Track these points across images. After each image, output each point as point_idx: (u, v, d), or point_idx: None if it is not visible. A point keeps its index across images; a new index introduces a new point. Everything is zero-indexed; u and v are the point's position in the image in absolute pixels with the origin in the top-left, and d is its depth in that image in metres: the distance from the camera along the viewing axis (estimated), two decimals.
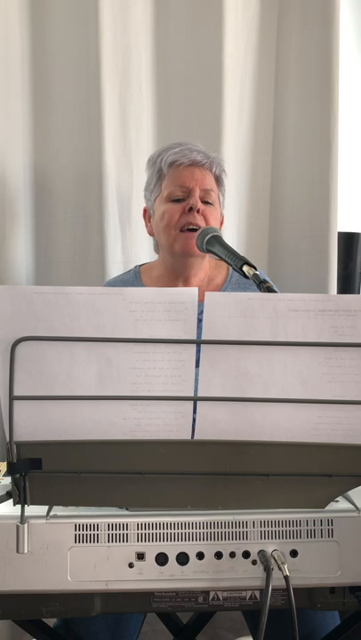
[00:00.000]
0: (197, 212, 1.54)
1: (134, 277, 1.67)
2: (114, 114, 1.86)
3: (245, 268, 1.25)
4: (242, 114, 1.95)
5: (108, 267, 1.88)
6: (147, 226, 1.68)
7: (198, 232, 1.48)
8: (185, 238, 1.53)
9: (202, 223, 1.54)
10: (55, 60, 1.87)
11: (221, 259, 1.39)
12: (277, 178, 2.00)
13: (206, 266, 1.63)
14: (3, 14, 1.81)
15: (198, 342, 0.93)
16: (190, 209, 1.54)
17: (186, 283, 1.62)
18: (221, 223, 1.68)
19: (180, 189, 1.57)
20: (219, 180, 1.63)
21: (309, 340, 0.93)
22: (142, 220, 1.93)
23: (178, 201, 1.57)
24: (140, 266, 1.72)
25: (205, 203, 1.57)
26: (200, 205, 1.54)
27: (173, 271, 1.62)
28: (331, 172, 1.90)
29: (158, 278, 1.65)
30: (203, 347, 0.93)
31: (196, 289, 0.93)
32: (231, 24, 1.88)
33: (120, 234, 1.91)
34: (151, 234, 1.67)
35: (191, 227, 1.53)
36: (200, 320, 0.93)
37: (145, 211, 1.68)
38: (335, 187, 1.90)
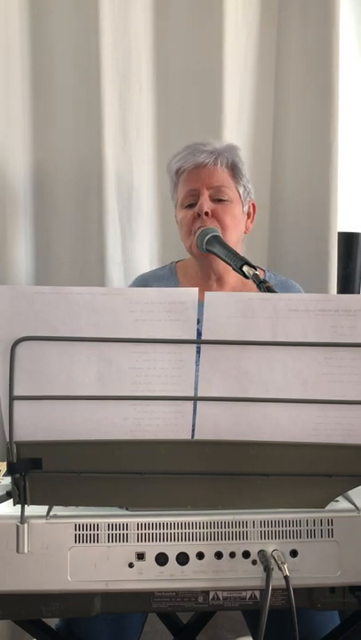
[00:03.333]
0: (206, 214, 1.53)
1: (170, 274, 1.67)
2: (114, 114, 1.86)
3: (245, 268, 1.25)
4: (242, 113, 1.95)
5: (108, 267, 1.88)
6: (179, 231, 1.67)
7: (198, 232, 1.48)
8: None
9: (213, 225, 1.52)
10: (55, 60, 1.87)
11: (221, 259, 1.39)
12: (277, 177, 2.00)
13: None
14: (3, 14, 1.81)
15: (198, 342, 0.93)
16: (198, 214, 1.54)
17: (220, 281, 1.62)
18: (253, 212, 1.66)
19: (189, 194, 1.57)
20: (234, 172, 1.60)
21: (309, 340, 0.93)
22: (142, 219, 1.94)
23: (191, 206, 1.57)
24: (177, 262, 1.72)
25: (218, 201, 1.56)
26: (207, 208, 1.53)
27: (205, 271, 1.62)
28: (331, 172, 1.90)
29: (193, 277, 1.65)
30: (203, 347, 0.93)
31: (197, 289, 0.93)
32: (231, 24, 1.88)
33: (120, 234, 1.91)
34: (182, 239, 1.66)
35: None
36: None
37: (176, 218, 1.68)
38: (335, 187, 1.90)
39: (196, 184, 1.56)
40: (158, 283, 1.65)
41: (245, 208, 1.63)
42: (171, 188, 1.66)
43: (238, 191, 1.60)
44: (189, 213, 1.56)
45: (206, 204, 1.54)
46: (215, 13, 1.86)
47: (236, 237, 1.57)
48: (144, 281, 1.68)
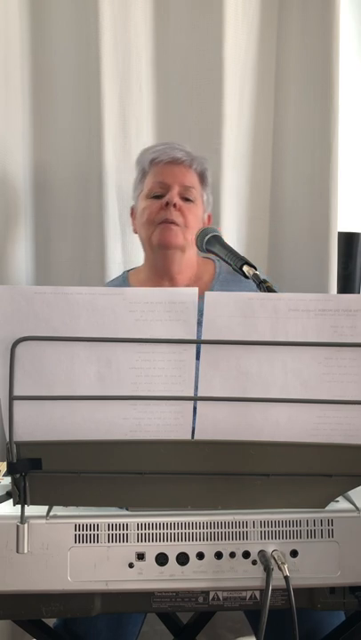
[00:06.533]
0: (174, 207, 1.56)
1: (122, 282, 1.70)
2: (114, 114, 1.86)
3: (245, 268, 1.25)
4: (242, 114, 1.95)
5: (108, 267, 1.88)
6: (133, 224, 1.71)
7: (198, 232, 1.48)
8: (161, 230, 1.57)
9: (179, 219, 1.57)
10: (55, 60, 1.87)
11: (221, 258, 1.38)
12: (277, 178, 2.00)
13: (193, 263, 1.65)
14: (3, 14, 1.81)
15: (198, 342, 0.93)
16: (167, 204, 1.56)
17: (172, 281, 1.64)
18: (209, 223, 1.71)
19: (159, 186, 1.60)
20: (202, 178, 1.65)
21: (309, 340, 0.93)
22: None
23: (157, 197, 1.60)
24: (128, 271, 1.75)
25: (185, 199, 1.60)
26: (177, 201, 1.57)
27: (158, 270, 1.64)
28: (331, 172, 1.89)
29: (145, 280, 1.67)
30: (203, 347, 0.93)
31: (197, 289, 0.93)
32: (231, 24, 1.88)
33: (120, 234, 1.91)
34: (136, 232, 1.70)
35: (168, 221, 1.56)
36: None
37: (132, 209, 1.71)
38: (335, 187, 1.90)
39: (168, 178, 1.60)
40: None
41: (205, 215, 1.68)
42: (137, 178, 1.67)
43: (203, 197, 1.65)
44: (155, 203, 1.59)
45: (176, 198, 1.58)
46: (215, 13, 1.86)
47: (193, 238, 1.59)
48: None
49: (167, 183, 1.59)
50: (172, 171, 1.60)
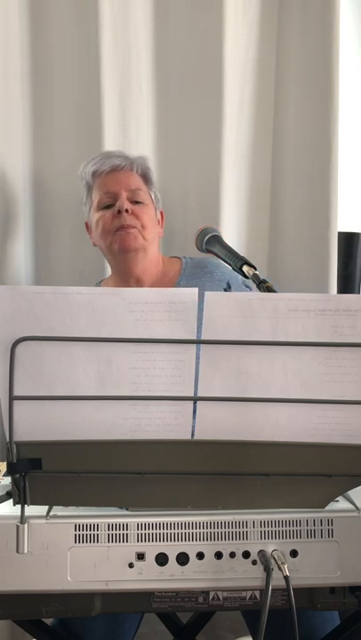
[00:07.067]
0: (127, 212, 1.60)
1: None
2: (114, 114, 1.87)
3: (245, 268, 1.25)
4: (242, 113, 1.95)
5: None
6: (91, 238, 1.73)
7: (198, 232, 1.48)
8: (120, 236, 1.60)
9: (134, 222, 1.60)
10: (55, 60, 1.87)
11: (221, 258, 1.38)
12: (277, 178, 2.00)
13: (157, 262, 1.69)
14: (3, 14, 1.81)
15: (198, 342, 0.93)
16: (119, 211, 1.60)
17: (139, 282, 1.66)
18: (162, 220, 1.74)
19: (107, 196, 1.64)
20: (146, 178, 1.69)
21: (309, 340, 0.93)
22: None
23: (108, 207, 1.63)
24: (100, 282, 1.79)
25: (135, 202, 1.63)
26: (127, 206, 1.61)
27: (123, 274, 1.67)
28: (331, 172, 1.89)
29: (114, 287, 1.69)
30: (203, 347, 0.93)
31: (197, 289, 0.93)
32: (231, 24, 1.88)
33: None
34: (95, 244, 1.73)
35: (124, 227, 1.60)
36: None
37: (86, 224, 1.74)
38: (335, 187, 1.90)
39: (114, 186, 1.63)
40: None
41: (157, 213, 1.71)
42: (84, 193, 1.71)
43: (151, 196, 1.68)
44: (107, 213, 1.63)
45: (126, 203, 1.61)
46: (215, 13, 1.86)
47: (152, 236, 1.65)
48: None
49: (114, 191, 1.63)
50: (115, 178, 1.64)
